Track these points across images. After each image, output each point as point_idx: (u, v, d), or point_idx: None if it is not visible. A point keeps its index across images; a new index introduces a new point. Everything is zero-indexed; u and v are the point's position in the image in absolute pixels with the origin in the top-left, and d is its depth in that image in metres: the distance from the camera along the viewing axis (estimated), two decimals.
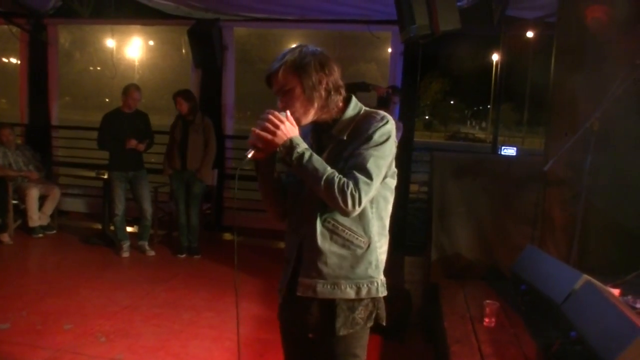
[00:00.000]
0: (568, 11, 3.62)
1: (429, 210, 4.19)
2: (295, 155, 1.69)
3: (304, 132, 1.92)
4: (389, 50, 6.45)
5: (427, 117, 52.61)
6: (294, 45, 1.81)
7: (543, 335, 2.74)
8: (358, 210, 1.68)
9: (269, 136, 1.69)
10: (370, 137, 1.71)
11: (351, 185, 1.65)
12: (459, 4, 4.14)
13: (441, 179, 4.02)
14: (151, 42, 23.25)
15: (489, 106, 43.58)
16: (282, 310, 2.01)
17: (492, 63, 34.14)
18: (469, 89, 45.23)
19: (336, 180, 1.66)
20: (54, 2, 6.72)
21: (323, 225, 1.76)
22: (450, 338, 2.74)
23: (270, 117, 1.70)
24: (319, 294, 1.79)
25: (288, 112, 1.74)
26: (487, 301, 2.94)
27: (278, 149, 1.71)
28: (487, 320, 2.89)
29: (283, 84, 1.75)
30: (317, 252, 1.77)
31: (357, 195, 1.65)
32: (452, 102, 52.24)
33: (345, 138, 1.76)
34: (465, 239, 3.90)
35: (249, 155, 1.74)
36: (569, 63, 3.62)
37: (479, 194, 3.92)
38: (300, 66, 1.73)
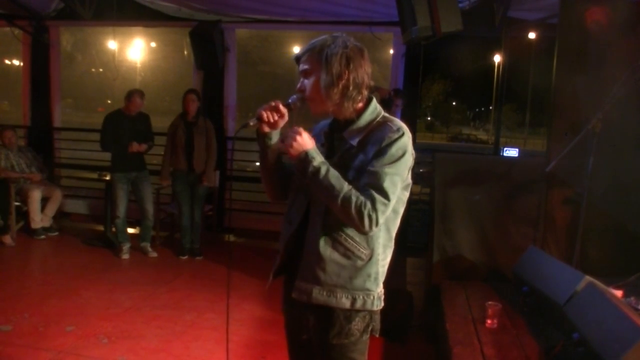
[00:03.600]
0: (569, 13, 3.62)
1: (430, 211, 4.20)
2: (310, 169, 1.67)
3: (320, 127, 1.91)
4: (391, 51, 6.43)
5: (429, 119, 52.63)
6: (336, 34, 1.77)
7: (545, 337, 2.74)
8: (375, 230, 1.67)
9: (288, 147, 1.68)
10: (384, 152, 1.67)
11: (369, 205, 1.63)
12: (460, 5, 4.15)
13: (443, 180, 4.01)
14: (153, 44, 23.30)
15: (490, 107, 43.60)
16: (283, 307, 2.01)
17: (494, 64, 34.18)
18: (470, 91, 45.36)
19: (353, 199, 1.64)
20: (56, 4, 6.74)
21: (326, 231, 1.74)
22: (452, 339, 2.74)
23: (291, 131, 1.69)
24: (313, 300, 1.77)
25: (301, 129, 1.72)
26: (489, 302, 2.93)
27: (295, 160, 1.69)
28: (489, 321, 2.89)
29: (306, 67, 1.76)
30: (317, 257, 1.75)
31: (374, 216, 1.64)
32: (453, 103, 52.29)
33: (355, 145, 1.74)
34: (467, 241, 3.89)
35: (251, 123, 1.78)
36: (570, 64, 3.62)
37: (480, 195, 3.91)
38: (325, 55, 1.71)
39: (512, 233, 3.85)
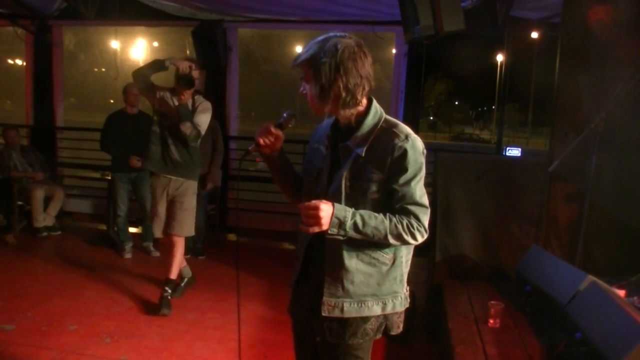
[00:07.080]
0: (572, 12, 3.61)
1: (433, 211, 4.19)
2: (349, 226, 1.66)
3: (322, 130, 1.92)
4: (393, 51, 6.43)
5: (431, 118, 52.59)
6: (329, 34, 1.75)
7: (548, 336, 2.74)
8: (426, 237, 1.74)
9: (317, 228, 1.64)
10: (404, 168, 1.70)
11: (414, 223, 1.70)
12: (463, 4, 4.13)
13: (445, 179, 4.01)
14: (155, 43, 23.33)
15: (493, 107, 43.55)
16: (291, 309, 2.01)
17: (497, 64, 34.15)
18: (473, 90, 45.31)
19: (400, 227, 1.68)
20: (59, 4, 6.75)
21: (348, 242, 1.74)
22: (455, 339, 2.74)
23: (307, 211, 1.64)
24: (345, 314, 1.78)
25: (313, 203, 1.65)
26: (492, 302, 2.93)
27: (329, 230, 1.66)
28: (491, 321, 2.89)
29: (303, 74, 1.77)
30: (344, 270, 1.76)
31: (422, 228, 1.72)
32: (456, 102, 52.23)
33: (363, 155, 1.74)
34: (470, 240, 3.89)
35: (250, 149, 1.85)
36: (573, 64, 3.61)
37: (483, 195, 3.91)
38: (315, 65, 1.71)
39: (514, 232, 3.84)
